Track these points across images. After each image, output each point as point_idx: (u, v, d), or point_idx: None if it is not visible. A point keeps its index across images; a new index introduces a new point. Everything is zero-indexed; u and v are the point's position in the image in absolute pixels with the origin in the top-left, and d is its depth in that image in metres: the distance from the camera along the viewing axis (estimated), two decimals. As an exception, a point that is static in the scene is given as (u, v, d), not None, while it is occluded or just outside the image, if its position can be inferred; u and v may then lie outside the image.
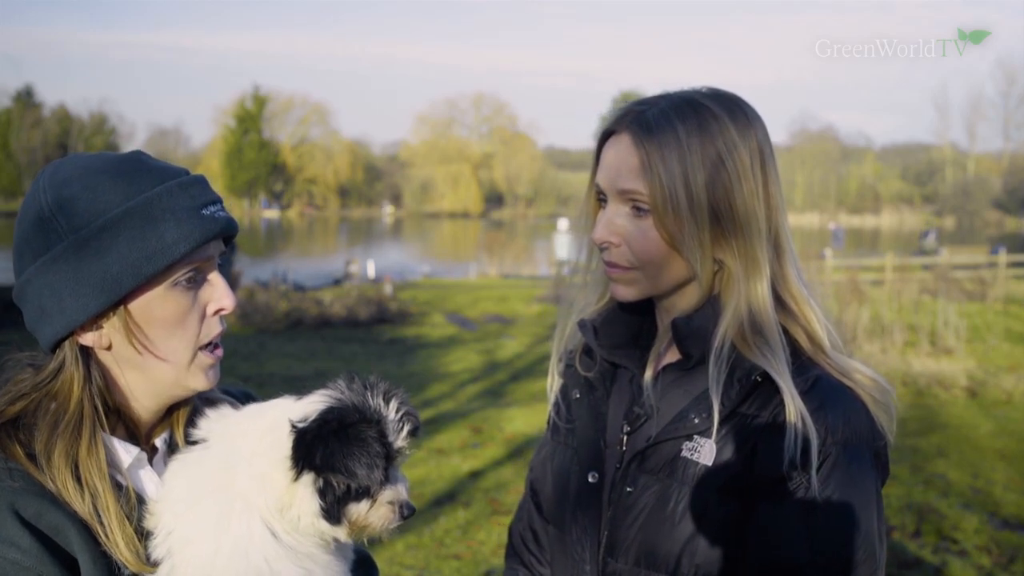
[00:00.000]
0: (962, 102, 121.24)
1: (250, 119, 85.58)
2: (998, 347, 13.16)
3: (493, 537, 5.71)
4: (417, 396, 10.24)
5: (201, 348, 1.32)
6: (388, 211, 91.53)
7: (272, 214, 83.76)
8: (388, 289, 20.31)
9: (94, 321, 1.26)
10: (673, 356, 1.52)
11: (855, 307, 12.74)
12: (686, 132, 1.41)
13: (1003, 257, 23.94)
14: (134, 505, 1.27)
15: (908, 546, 5.60)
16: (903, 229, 71.21)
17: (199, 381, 1.33)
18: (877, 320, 12.82)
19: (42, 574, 1.16)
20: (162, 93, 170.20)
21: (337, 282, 25.15)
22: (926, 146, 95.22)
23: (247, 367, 11.56)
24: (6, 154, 76.16)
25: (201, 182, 1.32)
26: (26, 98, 79.28)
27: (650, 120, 1.43)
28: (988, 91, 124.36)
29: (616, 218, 1.47)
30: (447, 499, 6.50)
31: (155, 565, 1.25)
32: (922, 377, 10.50)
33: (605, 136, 1.51)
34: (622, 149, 1.45)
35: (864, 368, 1.45)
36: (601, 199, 1.51)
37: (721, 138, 1.42)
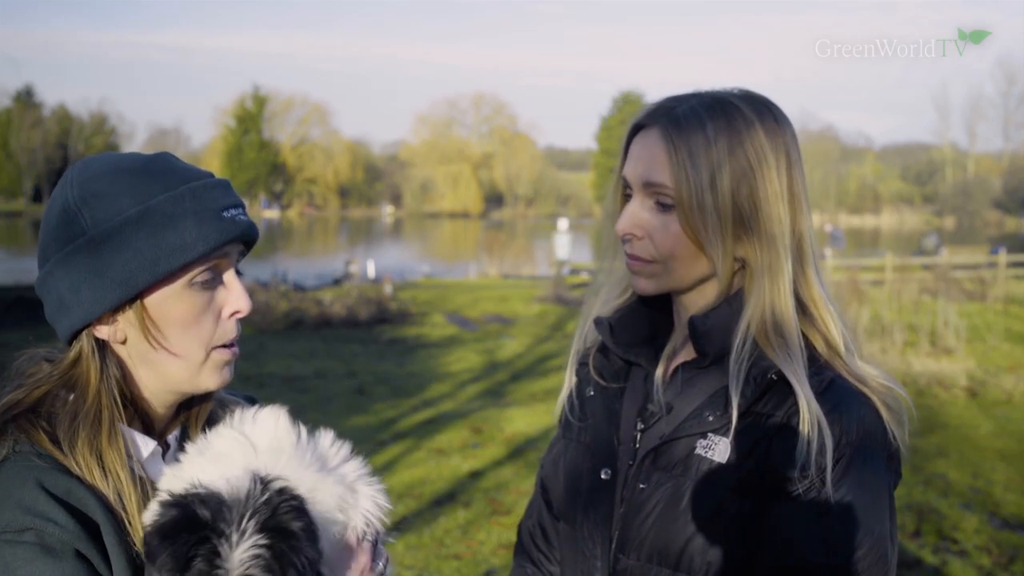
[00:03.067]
0: (962, 102, 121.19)
1: (250, 119, 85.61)
2: (998, 347, 13.14)
3: (493, 537, 5.71)
4: (417, 396, 10.25)
5: (215, 348, 1.33)
6: (388, 211, 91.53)
7: (272, 214, 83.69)
8: (388, 289, 20.30)
9: (110, 315, 1.28)
10: (689, 354, 1.52)
11: (855, 307, 12.72)
12: (715, 131, 1.42)
13: (1003, 257, 23.89)
14: (152, 496, 1.27)
15: (908, 546, 5.60)
16: (903, 229, 71.19)
17: (211, 380, 1.34)
18: (877, 320, 12.80)
19: (78, 549, 1.16)
20: (162, 93, 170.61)
21: (337, 282, 25.12)
22: (926, 146, 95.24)
23: (247, 367, 11.54)
24: (6, 154, 76.19)
25: (224, 185, 1.33)
26: (26, 98, 79.29)
27: (680, 117, 1.44)
28: (988, 91, 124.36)
29: (640, 211, 1.48)
30: (447, 499, 6.50)
31: None
32: (922, 377, 10.49)
33: (635, 130, 1.51)
34: (650, 143, 1.46)
35: (879, 375, 1.45)
36: (627, 194, 1.52)
37: (749, 140, 1.43)
